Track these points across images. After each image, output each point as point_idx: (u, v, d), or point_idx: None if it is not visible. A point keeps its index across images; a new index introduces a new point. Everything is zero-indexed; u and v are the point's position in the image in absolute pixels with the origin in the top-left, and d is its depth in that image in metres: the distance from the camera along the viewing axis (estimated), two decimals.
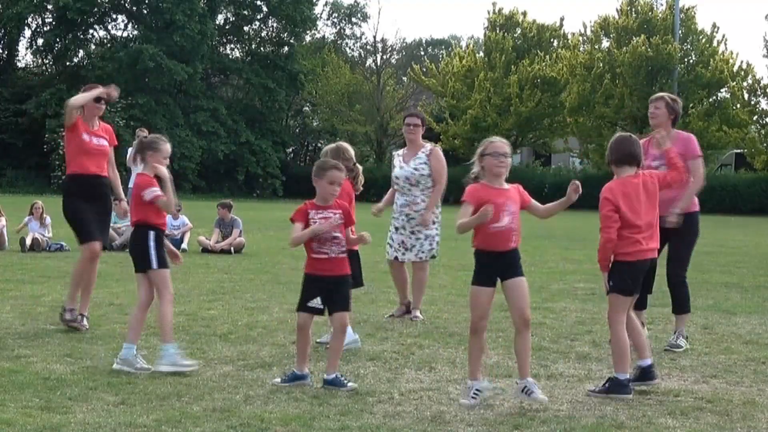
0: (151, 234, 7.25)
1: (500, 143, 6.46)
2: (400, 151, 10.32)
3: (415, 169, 10.01)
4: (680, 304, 8.56)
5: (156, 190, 7.24)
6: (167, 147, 7.50)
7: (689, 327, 9.40)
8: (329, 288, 6.66)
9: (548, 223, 27.00)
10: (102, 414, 5.70)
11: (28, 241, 16.28)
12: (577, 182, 6.40)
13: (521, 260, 6.42)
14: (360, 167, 8.56)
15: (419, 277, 10.12)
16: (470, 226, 6.29)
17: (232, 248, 16.95)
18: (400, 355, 7.84)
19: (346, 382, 6.57)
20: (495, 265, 6.34)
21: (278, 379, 6.67)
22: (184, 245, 17.05)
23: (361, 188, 8.52)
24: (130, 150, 14.37)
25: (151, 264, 7.20)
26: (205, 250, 17.02)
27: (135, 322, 7.26)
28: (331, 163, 6.92)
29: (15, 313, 9.46)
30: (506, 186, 6.43)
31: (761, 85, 49.43)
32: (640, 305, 8.05)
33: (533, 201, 6.57)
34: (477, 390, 6.27)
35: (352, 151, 8.47)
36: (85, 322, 8.76)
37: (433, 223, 10.07)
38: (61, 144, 40.31)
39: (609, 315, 6.73)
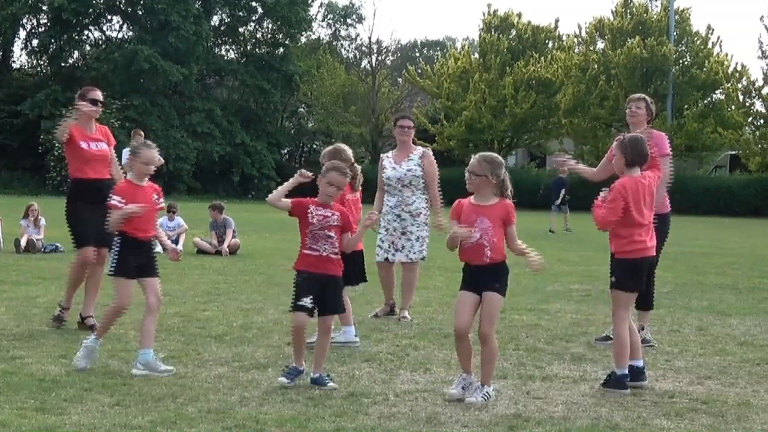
0: (118, 240, 7.18)
1: (473, 160, 6.51)
2: (390, 153, 10.44)
3: (409, 170, 10.13)
4: (647, 302, 8.58)
5: (116, 200, 7.11)
6: (147, 153, 7.25)
7: (684, 328, 9.49)
8: (321, 287, 6.68)
9: (545, 225, 27.05)
10: (97, 415, 5.69)
11: (23, 243, 16.26)
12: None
13: (505, 276, 6.40)
14: (358, 167, 8.53)
15: (408, 278, 10.17)
16: (447, 244, 6.43)
17: (227, 250, 16.91)
18: (396, 356, 7.84)
19: (327, 381, 6.60)
20: (473, 276, 6.42)
21: (285, 379, 6.65)
22: (179, 247, 17.03)
23: (360, 188, 8.53)
24: (125, 151, 14.37)
25: (109, 269, 7.22)
26: (201, 251, 17.01)
27: (144, 327, 7.12)
28: (336, 164, 6.94)
29: (10, 315, 9.44)
30: (491, 201, 6.41)
31: (756, 86, 49.48)
32: (645, 306, 8.16)
33: (512, 229, 6.41)
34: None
35: (349, 152, 8.43)
36: (93, 321, 8.75)
37: (425, 224, 10.15)
38: (57, 145, 40.30)
39: (613, 311, 6.90)
